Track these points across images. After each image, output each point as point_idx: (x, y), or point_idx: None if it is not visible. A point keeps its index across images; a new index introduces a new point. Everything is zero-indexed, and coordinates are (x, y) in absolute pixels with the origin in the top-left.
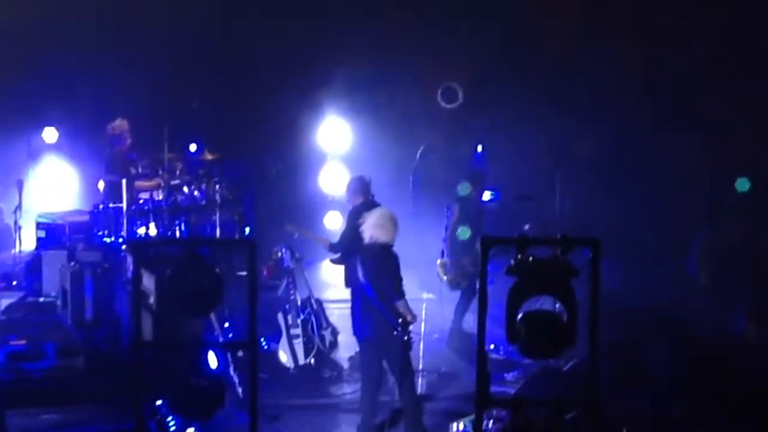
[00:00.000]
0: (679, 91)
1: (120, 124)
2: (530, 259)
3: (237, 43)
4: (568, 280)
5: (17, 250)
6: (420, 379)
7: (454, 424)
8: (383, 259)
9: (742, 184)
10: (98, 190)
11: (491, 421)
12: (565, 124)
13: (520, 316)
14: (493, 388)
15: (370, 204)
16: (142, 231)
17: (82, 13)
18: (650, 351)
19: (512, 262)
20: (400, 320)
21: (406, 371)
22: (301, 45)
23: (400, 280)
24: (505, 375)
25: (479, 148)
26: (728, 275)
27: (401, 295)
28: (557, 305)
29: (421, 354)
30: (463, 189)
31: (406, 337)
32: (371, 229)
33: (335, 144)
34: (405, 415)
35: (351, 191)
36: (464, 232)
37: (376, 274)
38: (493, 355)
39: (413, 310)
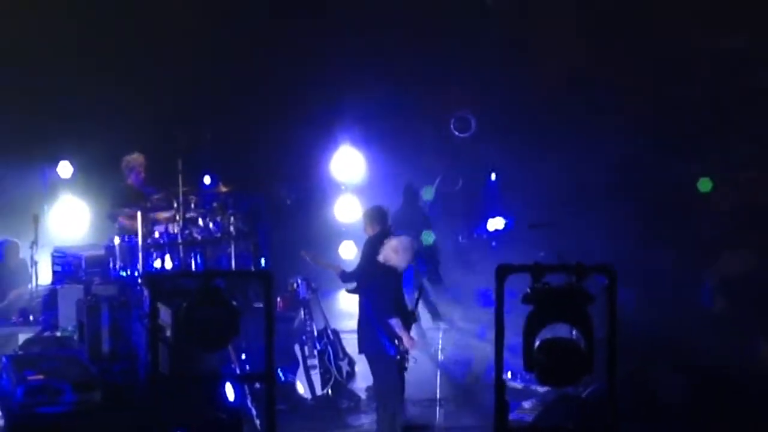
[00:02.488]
0: (690, 113)
1: (136, 158)
2: (546, 286)
3: (250, 76)
4: (585, 307)
5: (34, 284)
6: (437, 408)
7: None
8: (383, 276)
9: (705, 185)
10: (113, 224)
11: None
12: (579, 151)
13: (537, 344)
14: (511, 416)
15: (387, 234)
16: (157, 264)
17: (97, 47)
18: (666, 379)
19: (528, 290)
20: (396, 341)
21: (389, 393)
22: (314, 76)
23: (399, 299)
24: (523, 403)
25: (492, 177)
26: (744, 302)
27: (395, 313)
28: (573, 332)
29: (438, 382)
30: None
31: (398, 357)
32: (388, 250)
33: (349, 174)
34: None
35: (368, 220)
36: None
37: (374, 291)
38: (511, 384)
39: (411, 333)
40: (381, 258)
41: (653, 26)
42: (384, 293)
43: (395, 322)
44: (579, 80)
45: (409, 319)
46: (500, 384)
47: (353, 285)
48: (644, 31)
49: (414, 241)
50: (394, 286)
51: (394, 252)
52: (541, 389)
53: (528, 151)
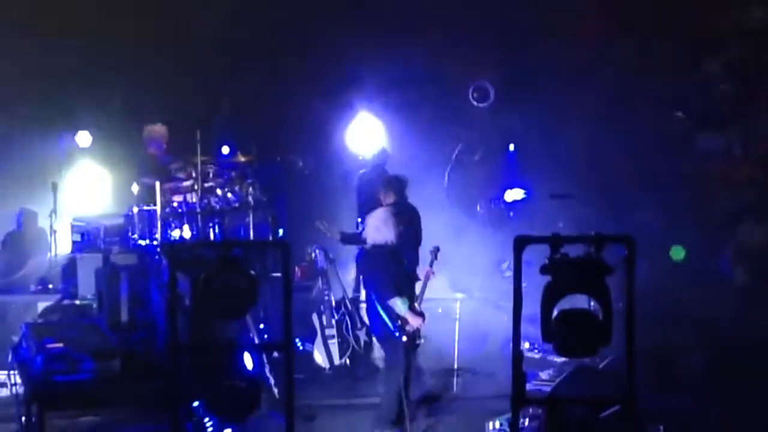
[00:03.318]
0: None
1: (159, 129)
2: (564, 257)
3: (267, 45)
4: (603, 278)
5: (53, 253)
6: (455, 379)
7: (490, 423)
8: (376, 257)
9: (677, 253)
10: (132, 193)
11: (527, 420)
12: (600, 122)
13: (555, 314)
14: (529, 387)
15: (400, 205)
16: (176, 234)
17: (118, 18)
18: (685, 350)
19: (546, 260)
20: (399, 321)
21: (396, 372)
22: (332, 45)
23: (396, 279)
24: (541, 373)
25: (511, 147)
26: (763, 273)
27: (393, 293)
28: (591, 303)
29: (456, 353)
30: None
31: (404, 338)
32: (369, 232)
33: (366, 143)
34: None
35: (384, 189)
36: None
37: (369, 274)
38: (529, 354)
39: (420, 312)
40: (369, 242)
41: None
42: (378, 274)
43: (393, 302)
44: (604, 52)
45: (412, 297)
46: (518, 355)
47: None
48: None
49: (387, 212)
50: (386, 264)
51: (375, 230)
52: (558, 360)
53: (548, 121)
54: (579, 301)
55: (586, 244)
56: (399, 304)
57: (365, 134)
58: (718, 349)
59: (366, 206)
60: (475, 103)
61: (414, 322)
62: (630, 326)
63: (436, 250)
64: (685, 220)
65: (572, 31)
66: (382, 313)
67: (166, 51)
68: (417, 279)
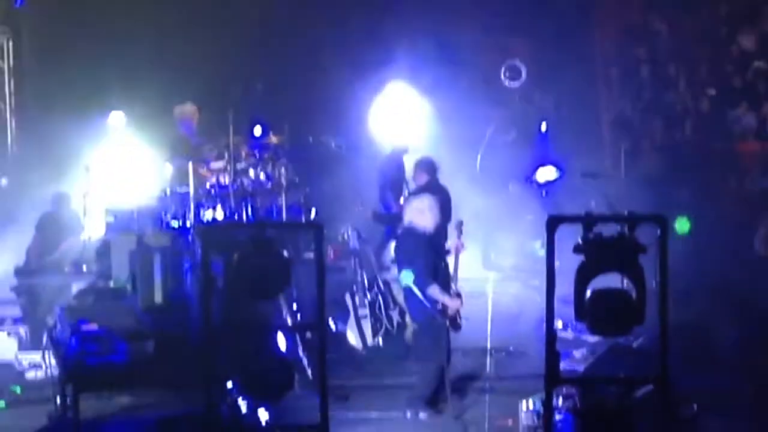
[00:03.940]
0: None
1: (190, 108)
2: (597, 236)
3: (299, 26)
4: (636, 257)
5: (86, 235)
6: (488, 359)
7: (524, 402)
8: (416, 244)
9: (682, 225)
10: (165, 174)
11: (561, 399)
12: (632, 101)
13: (588, 293)
14: (562, 366)
15: (433, 185)
16: (209, 215)
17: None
18: (719, 329)
19: (579, 240)
20: (439, 305)
21: (435, 354)
22: (364, 26)
23: (434, 265)
24: (574, 352)
25: (543, 127)
26: None
27: (432, 280)
28: (624, 282)
29: (489, 333)
30: None
31: (447, 322)
32: (411, 213)
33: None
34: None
35: (417, 170)
36: None
37: (408, 260)
38: (562, 333)
39: (457, 292)
40: (407, 222)
41: None
42: (417, 261)
43: (434, 289)
44: (636, 31)
45: (448, 280)
46: (551, 334)
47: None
48: None
49: (434, 199)
50: (426, 250)
51: (419, 213)
52: (592, 339)
53: (581, 99)
54: (612, 280)
55: (619, 223)
56: (437, 292)
57: (397, 114)
58: (753, 327)
59: (390, 186)
60: (507, 83)
61: (453, 305)
62: (663, 305)
63: (460, 224)
64: (718, 198)
65: (605, 7)
66: (422, 298)
67: (199, 32)
68: (448, 253)
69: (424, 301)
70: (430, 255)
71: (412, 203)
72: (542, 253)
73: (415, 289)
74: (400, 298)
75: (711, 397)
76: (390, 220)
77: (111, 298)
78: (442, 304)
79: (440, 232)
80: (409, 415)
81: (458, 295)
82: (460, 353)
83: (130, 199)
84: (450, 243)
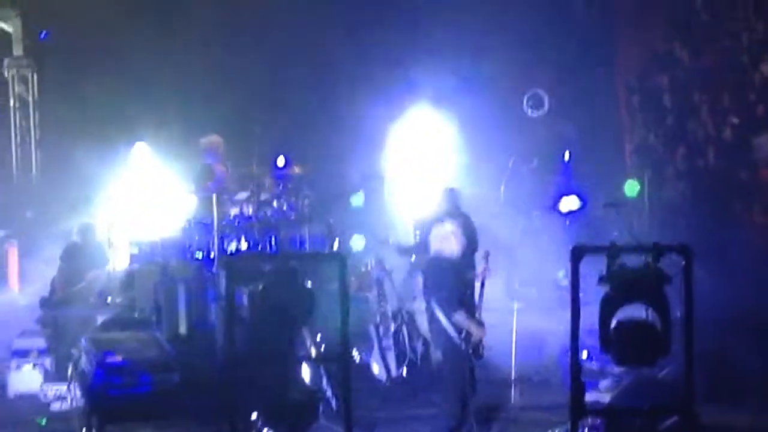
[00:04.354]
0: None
1: (215, 140)
2: (622, 267)
3: (323, 56)
4: (661, 287)
5: (111, 266)
6: (513, 389)
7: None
8: (441, 270)
9: (631, 188)
10: (189, 205)
11: (586, 430)
12: (653, 128)
13: (613, 324)
14: (587, 397)
15: (454, 212)
16: (233, 246)
17: (174, 29)
18: (744, 359)
19: (604, 271)
20: (463, 333)
21: (458, 384)
22: (386, 56)
23: (460, 293)
24: (599, 384)
25: (567, 156)
26: None
27: (457, 307)
28: (649, 313)
29: (513, 363)
30: None
31: (471, 351)
32: (435, 240)
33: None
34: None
35: (440, 199)
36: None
37: (434, 286)
38: (587, 364)
39: (481, 322)
40: (433, 251)
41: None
42: (443, 288)
43: (460, 316)
44: (658, 59)
45: (473, 308)
46: (576, 364)
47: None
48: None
49: (456, 226)
50: (450, 277)
51: (443, 240)
52: (617, 370)
53: (603, 128)
54: (637, 310)
55: (643, 254)
56: (463, 319)
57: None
58: None
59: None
60: (529, 112)
61: (478, 333)
62: (689, 336)
63: (487, 255)
64: (741, 226)
65: (628, 36)
66: (446, 325)
67: (222, 63)
68: (474, 280)
69: (449, 329)
70: (457, 281)
71: (434, 231)
72: (565, 282)
73: (440, 315)
74: (424, 328)
75: (736, 429)
76: (411, 251)
77: (135, 330)
78: (467, 332)
79: (466, 259)
80: None
81: (482, 324)
82: (485, 383)
83: (155, 230)
84: (478, 269)
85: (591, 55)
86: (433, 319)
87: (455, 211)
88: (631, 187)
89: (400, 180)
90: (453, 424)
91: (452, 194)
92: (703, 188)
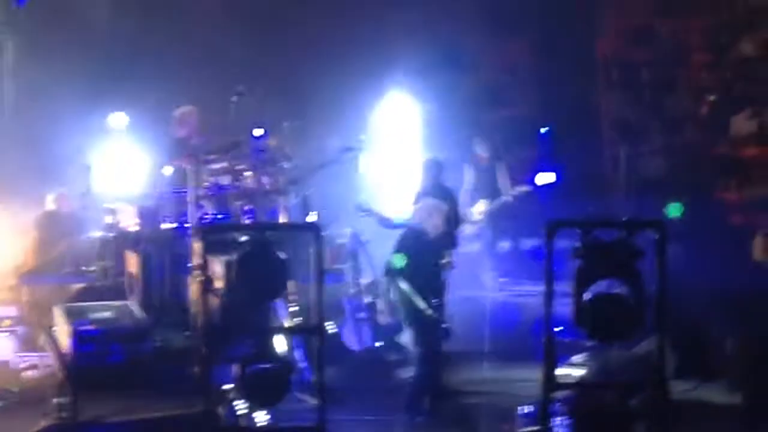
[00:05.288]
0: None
1: (188, 110)
2: (596, 240)
3: (300, 25)
4: (634, 262)
5: (86, 235)
6: (484, 363)
7: (521, 408)
8: (417, 244)
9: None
10: (164, 175)
11: (558, 404)
12: (631, 105)
13: (586, 298)
14: (560, 371)
15: (437, 187)
16: (208, 216)
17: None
18: (718, 335)
19: (577, 244)
20: (430, 309)
21: (425, 355)
22: (371, 27)
23: (430, 268)
24: (572, 358)
25: (544, 129)
26: None
27: (426, 282)
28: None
29: (486, 336)
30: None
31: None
32: (421, 214)
33: (400, 125)
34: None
35: (423, 171)
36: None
37: (412, 257)
38: (560, 338)
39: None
40: (416, 220)
41: None
42: (416, 262)
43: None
44: (637, 34)
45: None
46: (549, 338)
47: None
48: None
49: (441, 204)
50: (425, 252)
51: (427, 215)
52: (590, 344)
53: (581, 102)
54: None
55: (618, 228)
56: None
57: (399, 115)
58: (750, 332)
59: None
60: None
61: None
62: (661, 311)
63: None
64: (717, 203)
65: (608, 10)
66: (414, 299)
67: (200, 33)
68: (451, 267)
69: (416, 302)
70: (430, 257)
71: (421, 206)
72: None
73: (405, 287)
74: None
75: (707, 407)
76: (394, 224)
77: (109, 299)
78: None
79: (446, 237)
80: (405, 418)
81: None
82: (457, 357)
83: (130, 199)
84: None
85: (570, 29)
86: (399, 292)
87: (438, 185)
88: (675, 209)
89: (380, 153)
90: (424, 397)
91: (435, 166)
92: (680, 164)
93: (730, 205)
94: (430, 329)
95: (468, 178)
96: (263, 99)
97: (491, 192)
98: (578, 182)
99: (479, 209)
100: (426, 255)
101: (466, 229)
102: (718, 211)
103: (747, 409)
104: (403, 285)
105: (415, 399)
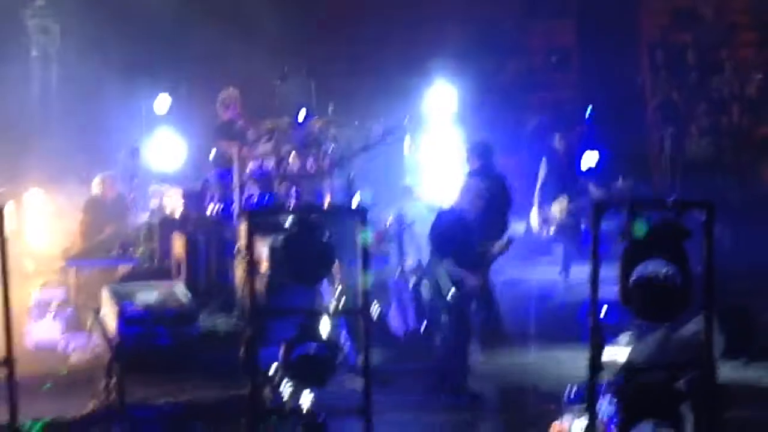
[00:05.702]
0: None
1: (231, 93)
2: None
3: (346, 10)
4: (681, 243)
5: (132, 218)
6: (532, 343)
7: (569, 387)
8: (450, 223)
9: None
10: (210, 158)
11: (604, 385)
12: (677, 87)
13: (633, 279)
14: (606, 352)
15: (487, 170)
16: (254, 199)
17: None
18: (765, 316)
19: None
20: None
21: (452, 330)
22: (412, 11)
23: (466, 248)
24: (618, 338)
25: (589, 110)
26: None
27: (459, 263)
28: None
29: (531, 317)
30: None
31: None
32: (462, 194)
33: (443, 109)
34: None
35: (470, 154)
36: None
37: (441, 240)
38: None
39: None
40: (456, 202)
41: None
42: (452, 242)
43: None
44: (682, 16)
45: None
46: (595, 320)
47: None
48: None
49: (481, 183)
50: (459, 232)
51: (471, 196)
52: (637, 325)
53: (626, 84)
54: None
55: (665, 210)
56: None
57: (442, 99)
58: None
59: None
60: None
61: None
62: (708, 292)
63: (510, 242)
64: (763, 183)
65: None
66: (443, 278)
67: (245, 16)
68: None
69: (446, 281)
70: (464, 237)
71: (465, 185)
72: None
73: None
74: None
75: (754, 388)
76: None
77: (156, 281)
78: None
79: (493, 215)
80: (449, 399)
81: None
82: (501, 339)
83: (176, 182)
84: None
85: (614, 13)
86: (430, 271)
87: (487, 166)
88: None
89: (425, 135)
90: (465, 377)
91: (483, 148)
92: (726, 145)
93: None
94: (457, 313)
95: (541, 173)
96: (308, 81)
97: (562, 188)
98: (623, 164)
99: (560, 207)
100: (470, 237)
101: (548, 231)
102: (765, 191)
103: None
104: (441, 268)
105: (458, 378)
